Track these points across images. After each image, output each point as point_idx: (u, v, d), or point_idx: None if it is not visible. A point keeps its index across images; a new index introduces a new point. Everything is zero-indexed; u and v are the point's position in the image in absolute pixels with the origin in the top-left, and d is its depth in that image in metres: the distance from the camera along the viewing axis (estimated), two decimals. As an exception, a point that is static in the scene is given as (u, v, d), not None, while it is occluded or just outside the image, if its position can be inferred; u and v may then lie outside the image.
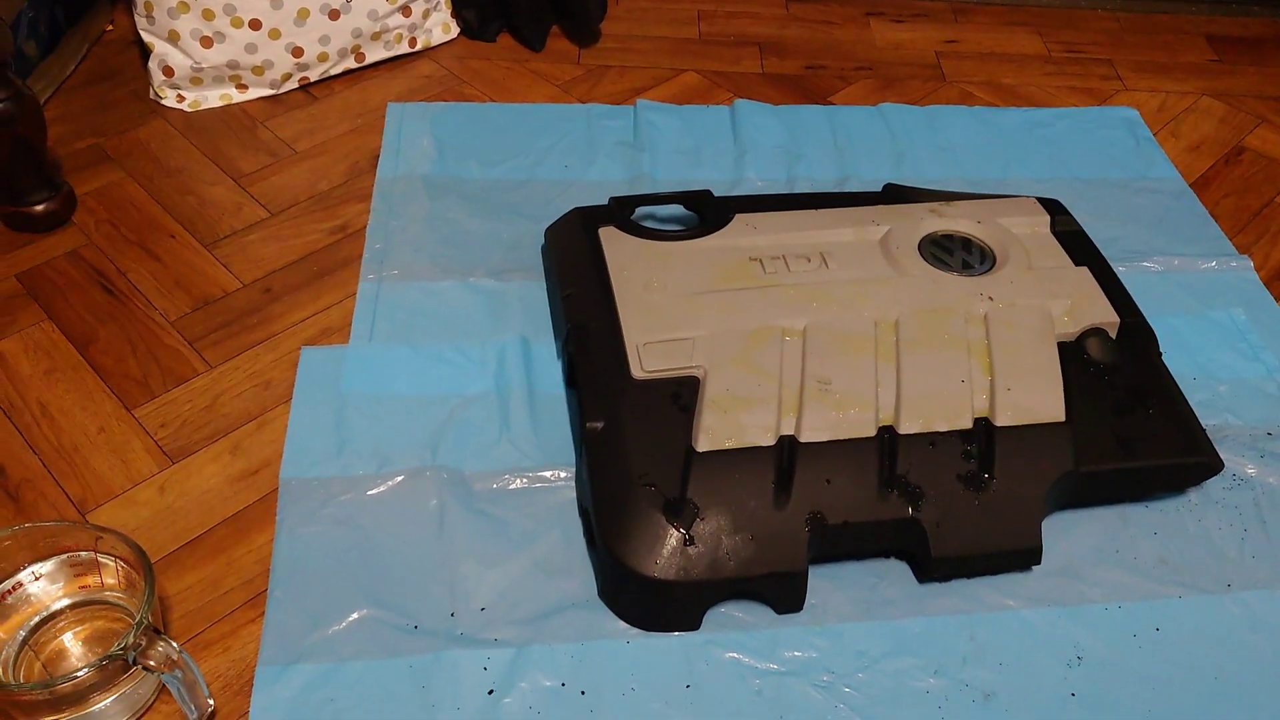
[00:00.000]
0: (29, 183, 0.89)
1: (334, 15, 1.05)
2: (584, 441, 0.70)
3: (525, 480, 0.73)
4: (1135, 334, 0.78)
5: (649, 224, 0.90)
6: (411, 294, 0.86)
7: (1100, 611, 0.69)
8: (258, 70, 1.05)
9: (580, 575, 0.69)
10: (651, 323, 0.75)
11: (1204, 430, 0.74)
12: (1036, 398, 0.72)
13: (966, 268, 0.82)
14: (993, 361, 0.74)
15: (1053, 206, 0.88)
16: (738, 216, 0.85)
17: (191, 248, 0.91)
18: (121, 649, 0.55)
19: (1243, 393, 0.84)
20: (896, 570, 0.70)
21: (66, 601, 0.63)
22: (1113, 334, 0.78)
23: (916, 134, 1.08)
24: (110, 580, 0.63)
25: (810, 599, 0.68)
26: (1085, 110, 1.15)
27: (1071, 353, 0.76)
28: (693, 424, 0.69)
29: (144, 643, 0.55)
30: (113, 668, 0.56)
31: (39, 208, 0.89)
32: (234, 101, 1.06)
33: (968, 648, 0.66)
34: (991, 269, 0.82)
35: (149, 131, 1.02)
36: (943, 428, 0.70)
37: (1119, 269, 0.91)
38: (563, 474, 0.74)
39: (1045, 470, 0.70)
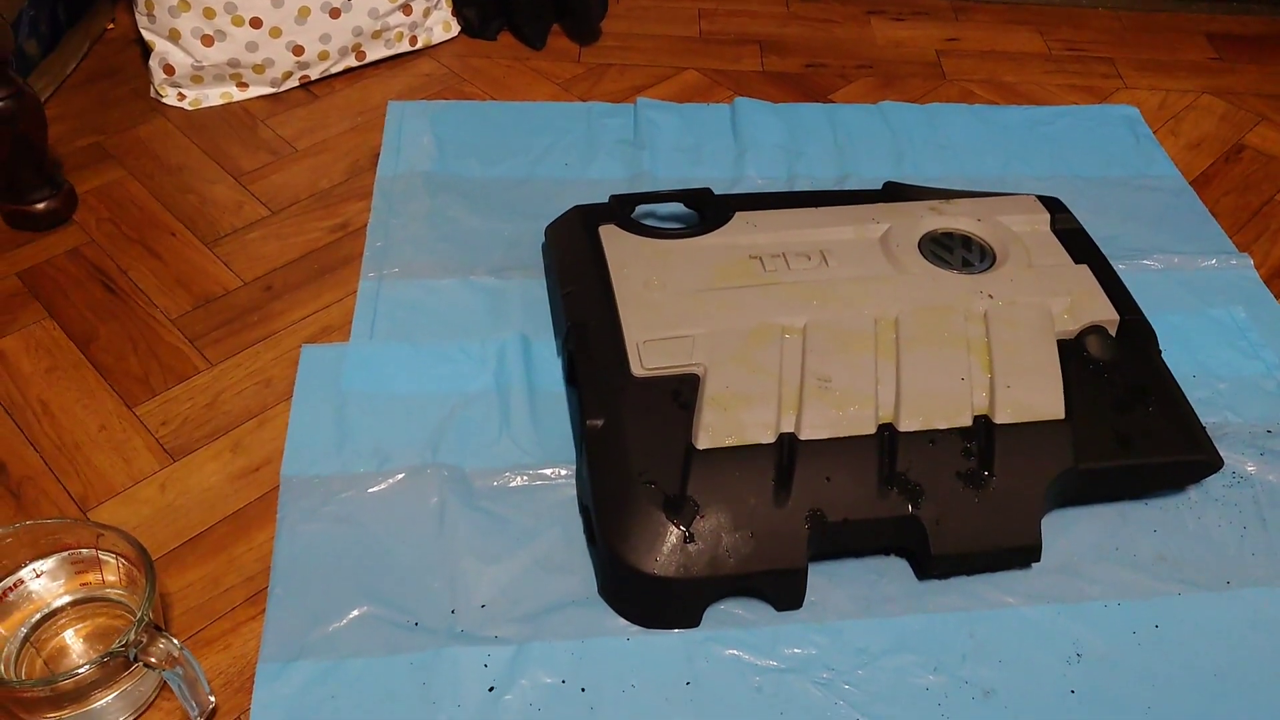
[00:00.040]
0: (30, 181, 0.89)
1: (335, 13, 1.05)
2: (584, 439, 0.70)
3: (525, 478, 0.73)
4: (1135, 332, 0.78)
5: (649, 222, 0.91)
6: (412, 292, 0.86)
7: (1100, 609, 0.69)
8: (258, 68, 1.05)
9: (580, 572, 0.69)
10: (652, 320, 0.75)
11: (1203, 428, 0.74)
12: (1036, 395, 0.72)
13: (966, 265, 0.82)
14: (993, 359, 0.74)
15: (1053, 204, 0.88)
16: (738, 214, 0.85)
17: (192, 246, 0.91)
18: (123, 646, 0.55)
19: (1242, 390, 0.84)
20: (896, 567, 0.71)
21: (68, 599, 0.63)
22: (1112, 332, 0.78)
23: (917, 132, 1.08)
24: (111, 577, 0.63)
25: (810, 596, 0.68)
26: (1085, 108, 1.15)
27: (1071, 350, 0.76)
28: (693, 421, 0.69)
29: (145, 640, 0.56)
30: (114, 665, 0.56)
31: (40, 206, 0.90)
32: (235, 100, 1.06)
33: (967, 645, 0.67)
34: (991, 267, 0.82)
35: (150, 130, 1.03)
36: (942, 425, 0.70)
37: (1119, 267, 0.91)
38: (563, 471, 0.74)
39: (1045, 468, 0.70)
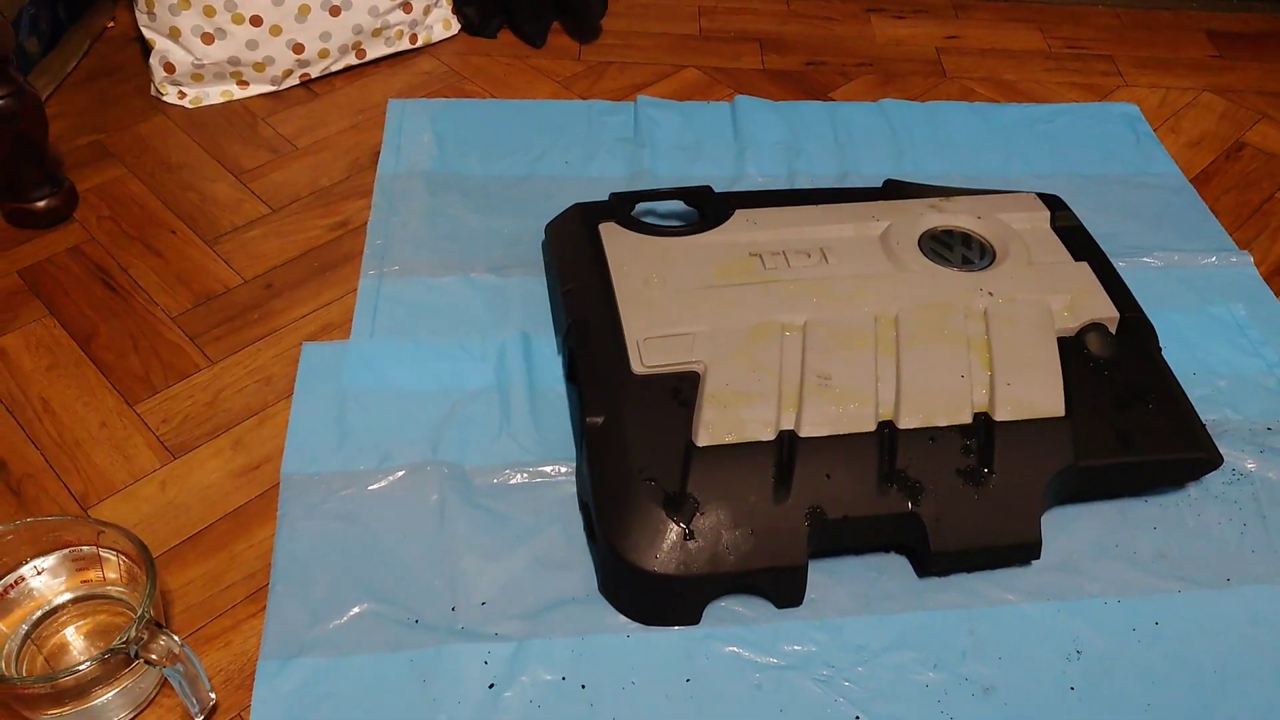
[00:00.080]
0: (31, 179, 0.89)
1: (335, 11, 1.05)
2: (584, 436, 0.70)
3: (526, 475, 0.74)
4: (1135, 329, 0.78)
5: (649, 220, 0.91)
6: (412, 289, 0.86)
7: (1099, 606, 0.69)
8: (259, 67, 1.05)
9: (580, 570, 0.69)
10: (652, 318, 0.75)
11: (1203, 425, 0.74)
12: (1036, 392, 0.72)
13: (966, 263, 0.82)
14: (992, 356, 0.74)
15: (1053, 202, 0.88)
16: (738, 212, 0.85)
17: (193, 244, 0.91)
18: (123, 643, 0.55)
19: (1242, 388, 0.84)
20: (896, 565, 0.71)
21: (68, 596, 0.63)
22: (1112, 329, 0.78)
23: (917, 130, 1.08)
24: (112, 575, 0.63)
25: (810, 593, 0.68)
26: (1086, 106, 1.15)
27: (1071, 348, 0.76)
28: (693, 419, 0.69)
29: (146, 636, 0.56)
30: (115, 661, 0.56)
31: (40, 204, 0.90)
32: (235, 98, 1.06)
33: (967, 642, 0.67)
34: (991, 264, 0.82)
35: (150, 128, 1.03)
36: (942, 422, 0.70)
37: (1119, 264, 0.91)
38: (563, 469, 0.74)
39: (1045, 465, 0.70)
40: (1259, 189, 1.06)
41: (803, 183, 1.00)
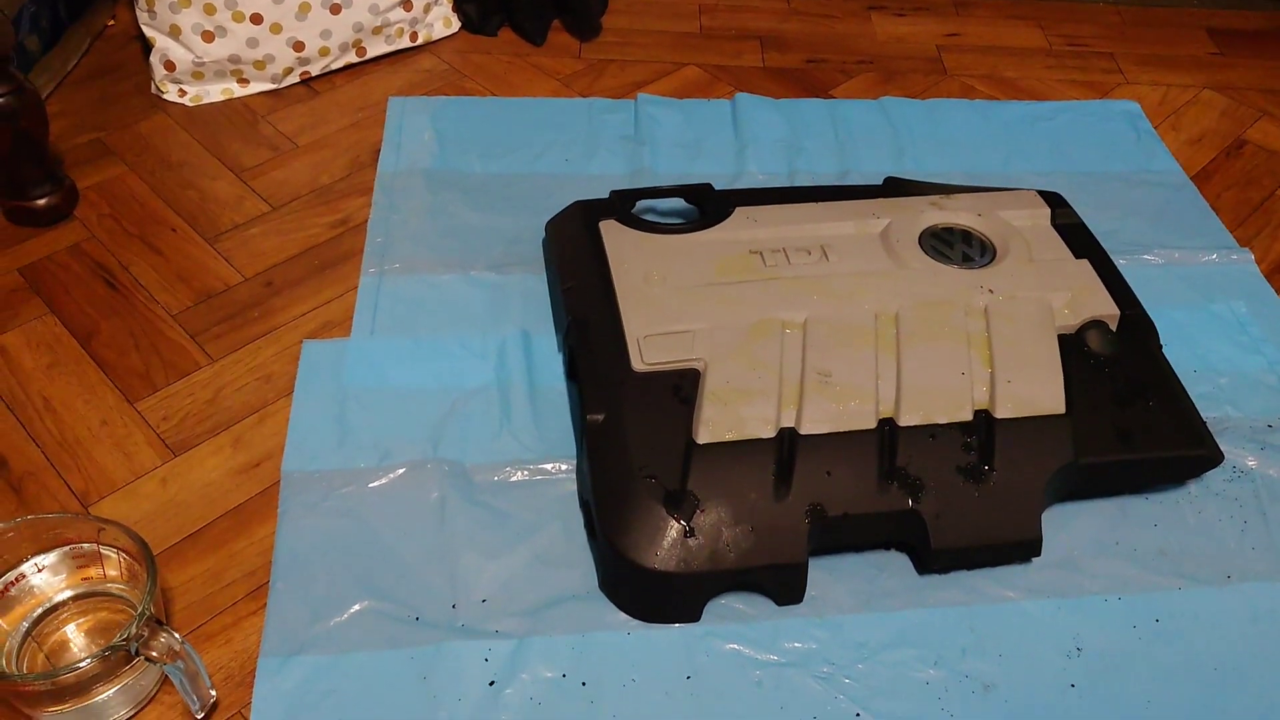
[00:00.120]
0: (31, 177, 0.89)
1: (335, 10, 1.05)
2: (585, 434, 0.70)
3: (526, 473, 0.74)
4: (1136, 326, 0.78)
5: (650, 217, 0.91)
6: (413, 287, 0.86)
7: (1100, 603, 0.69)
8: (259, 65, 1.05)
9: (581, 567, 0.69)
10: (652, 315, 0.75)
11: (1204, 422, 0.74)
12: (1037, 390, 0.72)
13: (967, 260, 0.82)
14: (993, 354, 0.74)
15: (1053, 199, 0.88)
16: (738, 210, 0.85)
17: (193, 242, 0.91)
18: (124, 640, 0.55)
19: (1243, 385, 0.84)
20: (896, 562, 0.71)
21: (69, 593, 0.63)
22: (1113, 326, 0.78)
23: (917, 127, 1.08)
24: (112, 572, 0.63)
25: (810, 590, 0.68)
26: (1086, 103, 1.15)
27: (1072, 345, 0.76)
28: (693, 416, 0.69)
29: (146, 634, 0.56)
30: (115, 659, 0.56)
31: (41, 202, 0.90)
32: (235, 96, 1.06)
33: (967, 639, 0.67)
34: (992, 262, 0.82)
35: (151, 126, 1.03)
36: (943, 420, 0.70)
37: (1120, 262, 0.91)
38: (563, 466, 0.74)
39: (1045, 462, 0.70)
40: (1260, 186, 1.06)
41: (803, 180, 1.00)
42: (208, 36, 1.01)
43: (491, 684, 0.62)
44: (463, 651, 0.64)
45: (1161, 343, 0.79)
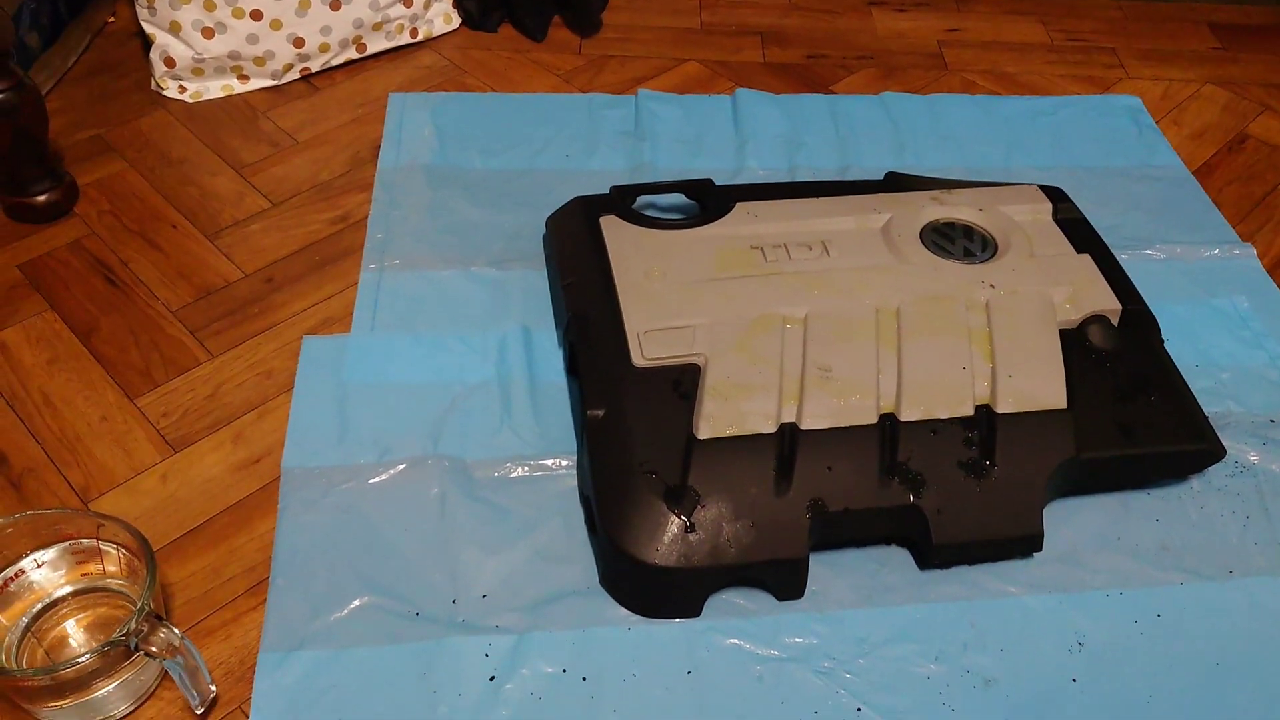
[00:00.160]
0: (31, 173, 0.89)
1: (335, 6, 1.05)
2: (585, 429, 0.70)
3: (526, 468, 0.73)
4: (1137, 321, 0.78)
5: (650, 213, 0.90)
6: (413, 283, 0.86)
7: (1101, 598, 0.69)
8: (259, 61, 1.05)
9: (581, 562, 0.69)
10: (652, 311, 0.75)
11: (1206, 417, 0.74)
12: (1038, 384, 0.72)
13: (968, 255, 0.82)
14: (994, 349, 0.73)
15: (1055, 194, 0.88)
16: (739, 205, 0.85)
17: (193, 238, 0.91)
18: (123, 635, 0.55)
19: (1245, 380, 0.84)
20: (897, 557, 0.70)
21: (69, 589, 0.63)
22: (1115, 321, 0.78)
23: (918, 122, 1.08)
24: (112, 568, 0.63)
25: (811, 586, 0.68)
26: (1088, 98, 1.14)
27: (1073, 340, 0.76)
28: (693, 411, 0.69)
29: (146, 629, 0.56)
30: (115, 654, 0.56)
31: (41, 198, 0.90)
32: (235, 92, 1.06)
33: (969, 634, 0.66)
34: (993, 256, 0.82)
35: (151, 122, 1.02)
36: (944, 415, 0.70)
37: (1121, 257, 0.91)
38: (564, 462, 0.74)
39: (1047, 457, 0.70)
40: (1262, 181, 1.06)
41: (804, 176, 1.00)
42: (208, 33, 1.01)
43: (492, 679, 0.62)
44: (463, 647, 0.63)
45: (1163, 338, 0.79)
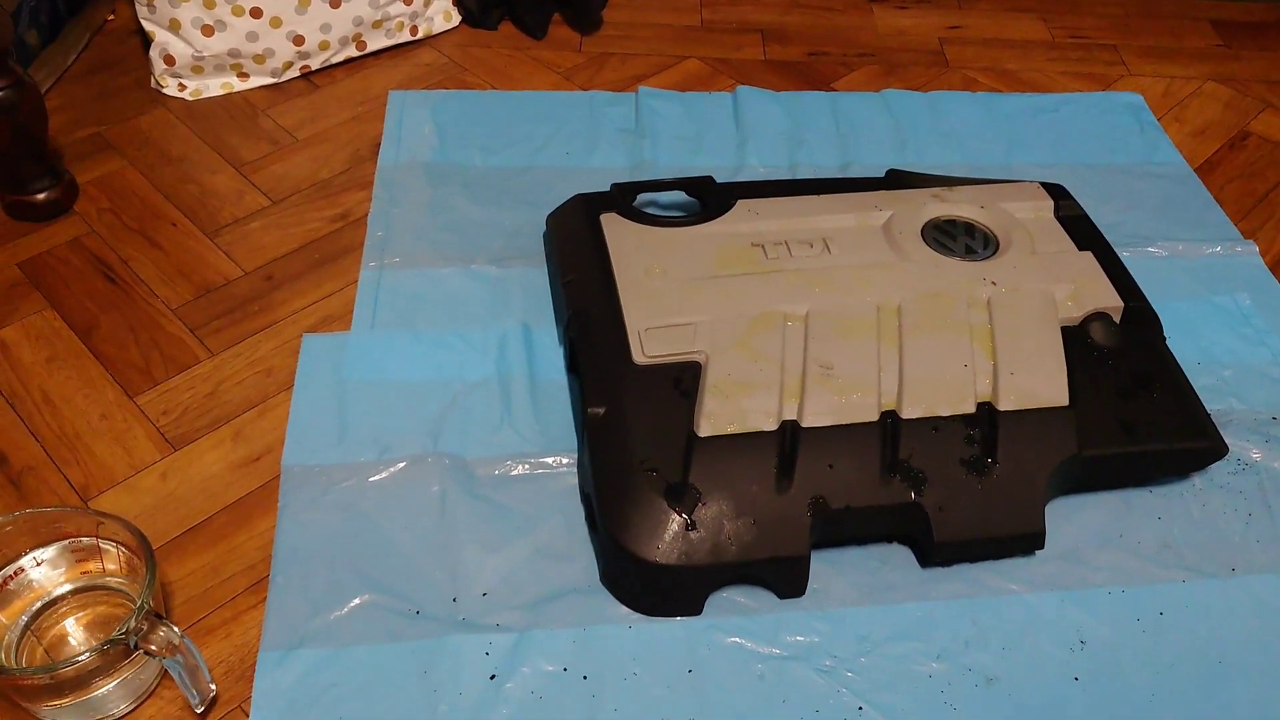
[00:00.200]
0: (30, 171, 0.89)
1: (335, 3, 1.04)
2: (586, 427, 0.70)
3: (527, 466, 0.73)
4: (1139, 318, 0.78)
5: (651, 210, 0.90)
6: (413, 281, 0.86)
7: (1104, 596, 0.69)
8: (259, 59, 1.05)
9: (582, 560, 0.69)
10: (653, 308, 0.75)
11: (1208, 415, 0.74)
12: (1040, 382, 0.71)
13: (969, 252, 0.81)
14: (996, 346, 0.73)
15: (1056, 191, 0.88)
16: (740, 202, 0.84)
17: (193, 236, 0.91)
18: (123, 634, 0.55)
19: (1247, 377, 0.83)
20: (899, 555, 0.70)
21: (68, 587, 0.63)
22: (1117, 318, 0.78)
23: (919, 120, 1.08)
24: (112, 566, 0.63)
25: (812, 584, 0.68)
26: (1089, 95, 1.14)
27: (1075, 337, 0.76)
28: (694, 409, 0.69)
29: (146, 627, 0.55)
30: (114, 652, 0.56)
31: (40, 196, 0.90)
32: (235, 90, 1.06)
33: (970, 632, 0.66)
34: (995, 254, 0.81)
35: (150, 120, 1.02)
36: (945, 412, 0.70)
37: (1123, 254, 0.90)
38: (564, 460, 0.74)
39: (1048, 455, 0.69)
40: (1264, 178, 1.05)
41: (805, 173, 1.00)
42: (207, 31, 1.01)
43: (492, 678, 0.62)
44: (463, 645, 0.63)
45: (1165, 335, 0.78)
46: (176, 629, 0.56)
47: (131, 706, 0.60)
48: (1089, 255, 0.81)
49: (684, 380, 0.71)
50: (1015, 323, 0.75)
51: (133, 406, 0.77)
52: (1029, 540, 0.69)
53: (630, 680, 0.63)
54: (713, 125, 1.05)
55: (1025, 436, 0.70)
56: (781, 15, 1.25)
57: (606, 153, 1.01)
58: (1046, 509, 0.70)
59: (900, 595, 0.68)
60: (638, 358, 0.72)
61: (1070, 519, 0.73)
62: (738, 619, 0.66)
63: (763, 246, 0.80)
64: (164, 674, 0.62)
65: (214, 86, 1.05)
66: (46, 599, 0.62)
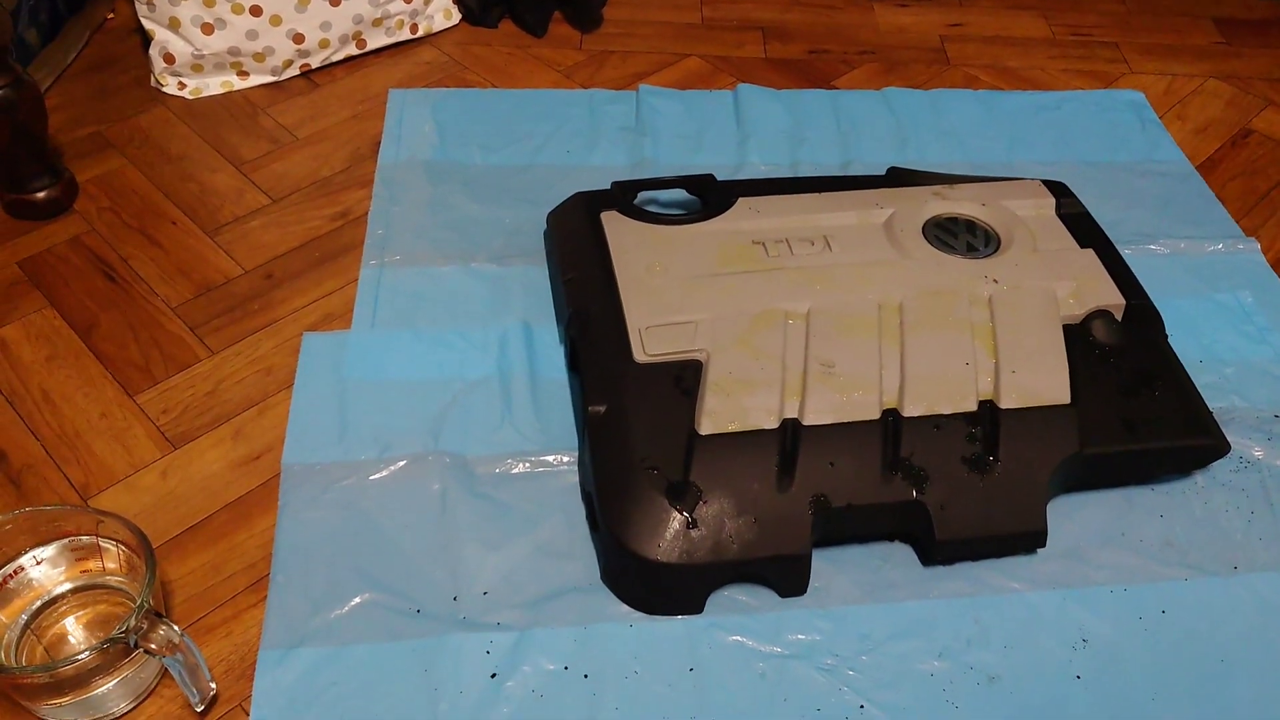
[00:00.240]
0: (30, 170, 0.89)
1: (335, 1, 1.04)
2: (586, 425, 0.70)
3: (528, 465, 0.73)
4: (1141, 316, 0.78)
5: (651, 208, 0.90)
6: (413, 279, 0.86)
7: (1105, 594, 0.68)
8: (259, 57, 1.04)
9: (583, 559, 0.68)
10: (654, 306, 0.75)
11: (1210, 412, 0.74)
12: (1041, 380, 0.71)
13: (971, 250, 0.81)
14: (997, 344, 0.73)
15: (1058, 189, 0.88)
16: (740, 200, 0.84)
17: (193, 234, 0.90)
18: (123, 632, 0.55)
19: (1249, 375, 0.83)
20: (900, 553, 0.70)
21: (68, 586, 0.63)
22: (1118, 316, 0.78)
23: (920, 118, 1.08)
24: (111, 564, 0.63)
25: (814, 582, 0.67)
26: (1091, 93, 1.14)
27: (1077, 335, 0.76)
28: (695, 407, 0.69)
29: (145, 626, 0.55)
30: (114, 651, 0.56)
31: (40, 195, 0.89)
32: (235, 88, 1.06)
33: (972, 630, 0.66)
34: (996, 251, 0.81)
35: (150, 119, 1.02)
36: (947, 410, 0.70)
37: (1125, 252, 0.90)
38: (565, 458, 0.74)
39: (1050, 453, 0.69)
40: (1266, 175, 1.05)
41: (806, 171, 1.00)
42: (207, 29, 1.01)
43: (493, 676, 0.62)
44: (464, 644, 0.63)
45: (1167, 332, 0.78)
46: (176, 627, 0.56)
47: (131, 705, 0.60)
48: (1091, 253, 0.81)
49: (685, 378, 0.71)
50: (1017, 320, 0.75)
51: (133, 405, 0.77)
52: (1031, 538, 0.69)
53: (631, 679, 0.63)
54: (713, 123, 1.05)
55: (1027, 434, 0.69)
56: (782, 13, 1.25)
57: (607, 151, 1.01)
58: (1048, 507, 0.69)
59: (902, 594, 0.68)
60: (639, 356, 0.72)
61: (1072, 517, 0.73)
62: (739, 617, 0.66)
63: (764, 244, 0.80)
64: (164, 673, 0.62)
65: (214, 85, 1.05)
66: (46, 598, 0.62)
